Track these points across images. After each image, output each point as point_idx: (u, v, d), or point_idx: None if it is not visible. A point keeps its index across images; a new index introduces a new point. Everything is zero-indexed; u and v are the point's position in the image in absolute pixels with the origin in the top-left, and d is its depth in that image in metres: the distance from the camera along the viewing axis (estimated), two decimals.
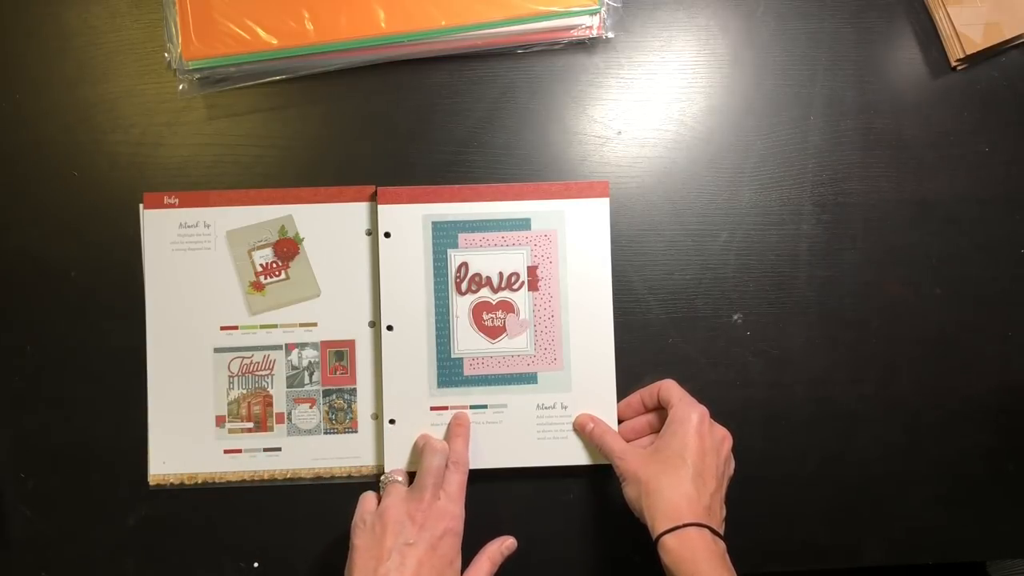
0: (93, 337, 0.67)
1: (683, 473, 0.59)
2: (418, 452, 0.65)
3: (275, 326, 0.67)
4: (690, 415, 0.62)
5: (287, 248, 0.67)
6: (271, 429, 0.67)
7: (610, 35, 0.69)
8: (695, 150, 0.70)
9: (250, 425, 0.67)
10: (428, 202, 0.67)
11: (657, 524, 0.58)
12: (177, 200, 0.67)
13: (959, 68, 0.71)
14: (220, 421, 0.67)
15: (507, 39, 0.68)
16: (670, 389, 0.65)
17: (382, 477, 0.65)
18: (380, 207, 0.67)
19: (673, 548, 0.57)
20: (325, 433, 0.68)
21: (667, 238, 0.69)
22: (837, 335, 0.70)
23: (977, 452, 0.70)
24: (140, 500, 0.67)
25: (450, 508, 0.61)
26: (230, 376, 0.67)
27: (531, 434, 0.67)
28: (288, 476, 0.68)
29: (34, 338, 0.67)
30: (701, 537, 0.57)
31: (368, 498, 0.62)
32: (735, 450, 0.64)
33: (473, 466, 0.66)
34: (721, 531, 0.59)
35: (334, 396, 0.68)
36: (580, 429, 0.67)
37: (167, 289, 0.67)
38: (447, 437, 0.66)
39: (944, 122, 0.70)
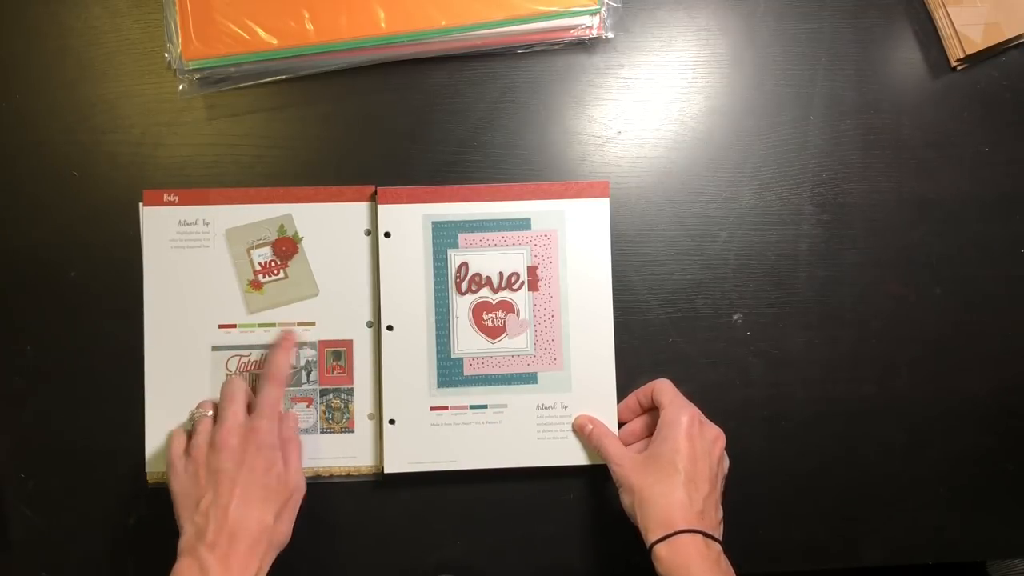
0: (93, 337, 0.67)
1: (675, 480, 0.59)
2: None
3: (273, 325, 0.67)
4: (680, 418, 0.62)
5: (286, 247, 0.67)
6: None
7: (610, 35, 0.69)
8: (695, 150, 0.70)
9: None
10: (428, 202, 0.67)
11: (650, 534, 0.58)
12: (176, 197, 0.67)
13: (959, 68, 0.71)
14: None
15: (507, 39, 0.68)
16: (663, 390, 0.65)
17: (193, 411, 0.65)
18: (380, 207, 0.67)
19: (665, 557, 0.57)
20: (321, 432, 0.67)
21: (667, 238, 0.69)
22: (837, 335, 0.69)
23: (977, 452, 0.70)
24: (139, 499, 0.67)
25: (257, 423, 0.60)
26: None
27: (531, 434, 0.67)
28: None
29: (34, 338, 0.67)
30: (694, 543, 0.57)
31: (176, 438, 0.62)
32: (732, 449, 0.63)
33: (473, 466, 0.66)
34: (717, 533, 0.59)
35: (331, 396, 0.68)
36: (579, 431, 0.67)
37: (166, 287, 0.67)
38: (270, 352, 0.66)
39: (944, 122, 0.70)
